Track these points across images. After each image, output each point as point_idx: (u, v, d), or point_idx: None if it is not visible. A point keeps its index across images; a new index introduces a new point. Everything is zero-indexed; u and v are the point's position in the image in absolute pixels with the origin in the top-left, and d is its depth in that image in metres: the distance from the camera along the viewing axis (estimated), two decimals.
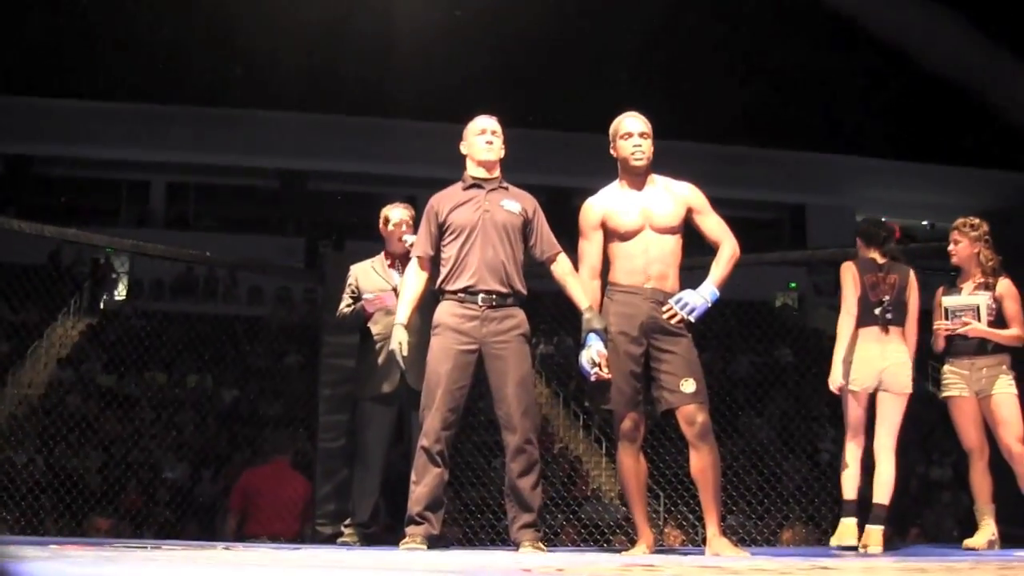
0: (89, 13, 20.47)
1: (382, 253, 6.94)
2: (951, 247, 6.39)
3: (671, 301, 5.29)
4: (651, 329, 5.28)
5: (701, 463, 5.25)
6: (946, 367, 6.37)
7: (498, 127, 5.88)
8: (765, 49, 22.90)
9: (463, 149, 5.88)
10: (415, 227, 6.73)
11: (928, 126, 25.03)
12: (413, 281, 5.80)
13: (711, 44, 21.97)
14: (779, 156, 27.85)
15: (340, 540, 6.76)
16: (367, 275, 6.86)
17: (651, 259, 5.35)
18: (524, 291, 5.73)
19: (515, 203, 5.75)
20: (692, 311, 5.26)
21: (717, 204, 5.58)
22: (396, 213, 6.82)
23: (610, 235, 5.47)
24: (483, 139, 5.81)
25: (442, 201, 5.78)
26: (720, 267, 5.42)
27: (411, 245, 6.45)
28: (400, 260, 6.77)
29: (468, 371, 5.59)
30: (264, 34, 20.13)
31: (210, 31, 20.77)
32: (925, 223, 30.76)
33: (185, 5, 20.48)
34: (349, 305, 6.88)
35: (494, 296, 5.57)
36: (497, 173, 5.84)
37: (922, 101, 23.44)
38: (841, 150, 27.85)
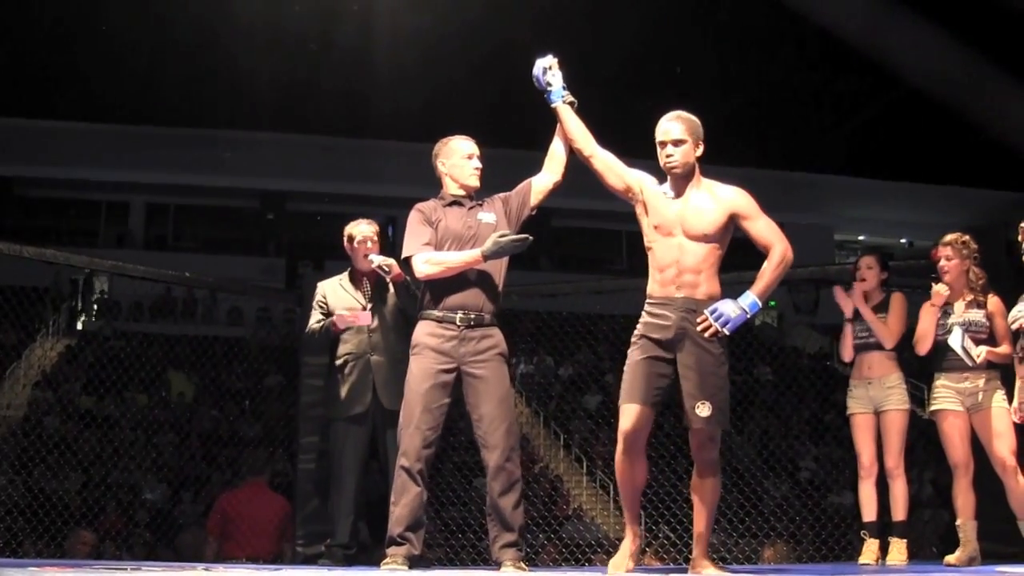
0: (68, 34, 20.45)
1: (348, 271, 6.94)
2: (942, 263, 6.35)
3: (706, 311, 5.02)
4: (679, 340, 5.07)
5: (702, 484, 5.20)
6: (938, 381, 6.34)
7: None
8: (743, 68, 23.01)
9: (443, 167, 5.80)
10: (381, 243, 6.77)
11: (905, 145, 25.18)
12: (441, 252, 5.61)
13: (690, 62, 22.05)
14: (757, 175, 27.91)
15: (321, 561, 6.75)
16: (336, 292, 6.86)
17: (683, 268, 5.12)
18: (499, 309, 5.71)
19: (490, 214, 5.72)
20: (727, 323, 4.97)
21: None
22: (360, 230, 6.80)
23: (646, 227, 5.28)
24: (472, 164, 5.75)
25: (427, 210, 5.72)
26: (765, 275, 5.09)
27: (378, 266, 6.46)
28: (367, 277, 6.78)
29: (447, 391, 5.56)
30: (244, 55, 20.13)
31: (190, 52, 20.77)
32: (903, 241, 30.95)
33: (165, 26, 20.46)
34: (319, 321, 6.87)
35: (472, 316, 5.55)
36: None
37: (899, 120, 23.62)
38: (819, 169, 27.98)
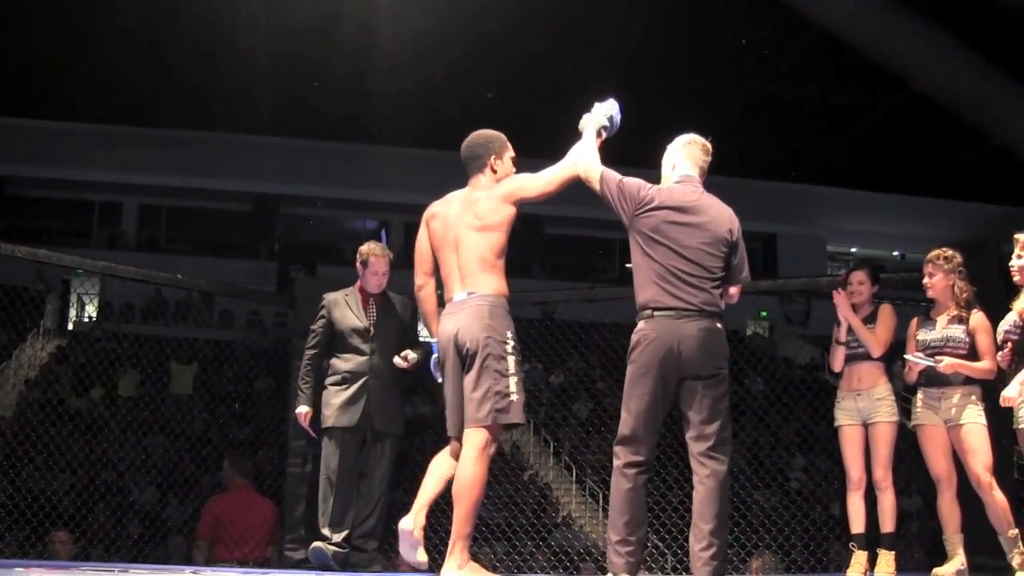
0: (63, 34, 20.42)
1: (356, 286, 6.88)
2: (926, 280, 6.38)
3: None
4: None
5: None
6: (918, 396, 6.41)
7: None
8: (737, 79, 23.04)
9: None
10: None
11: (899, 157, 25.22)
12: None
13: (682, 73, 22.08)
14: (750, 185, 27.94)
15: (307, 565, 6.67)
16: (340, 307, 6.79)
17: None
18: None
19: None
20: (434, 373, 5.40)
21: None
22: (375, 256, 6.74)
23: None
24: None
25: None
26: None
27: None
28: (374, 299, 6.74)
29: None
30: (239, 58, 20.12)
31: (185, 54, 20.75)
32: (896, 253, 30.98)
33: (161, 28, 20.44)
34: (313, 348, 6.84)
35: None
36: None
37: (893, 133, 23.66)
38: (812, 180, 28.00)
